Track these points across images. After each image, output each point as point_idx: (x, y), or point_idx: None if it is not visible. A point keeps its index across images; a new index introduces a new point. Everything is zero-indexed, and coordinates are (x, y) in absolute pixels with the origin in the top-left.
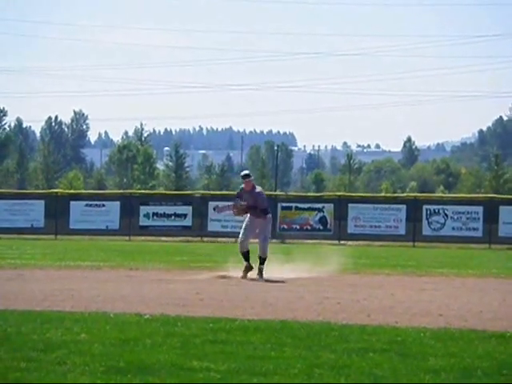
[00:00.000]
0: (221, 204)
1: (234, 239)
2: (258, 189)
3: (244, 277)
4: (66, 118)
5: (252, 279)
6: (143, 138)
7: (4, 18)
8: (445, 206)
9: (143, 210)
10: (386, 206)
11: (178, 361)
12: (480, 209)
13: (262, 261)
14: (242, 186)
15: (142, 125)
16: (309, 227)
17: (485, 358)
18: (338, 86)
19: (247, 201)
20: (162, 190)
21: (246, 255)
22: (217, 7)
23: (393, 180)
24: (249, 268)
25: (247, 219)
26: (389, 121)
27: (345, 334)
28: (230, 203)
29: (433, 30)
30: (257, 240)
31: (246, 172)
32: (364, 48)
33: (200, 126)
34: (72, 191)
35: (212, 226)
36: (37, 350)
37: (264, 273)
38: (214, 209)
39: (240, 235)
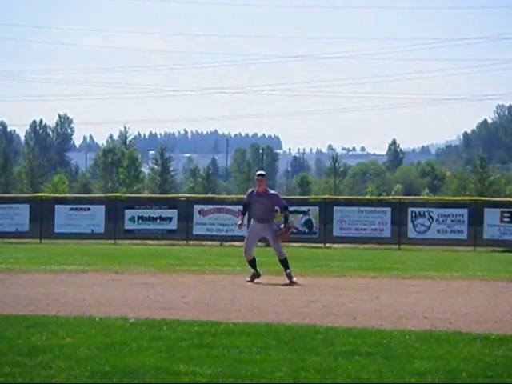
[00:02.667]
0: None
1: (218, 243)
2: (272, 191)
3: (250, 281)
4: (51, 121)
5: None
6: (128, 142)
7: None
8: (430, 209)
9: (128, 213)
10: (372, 208)
11: (164, 364)
12: (465, 211)
13: (285, 264)
14: (252, 189)
15: (126, 128)
16: (294, 230)
17: (470, 360)
18: (322, 88)
19: (259, 204)
20: (147, 194)
21: (253, 263)
22: (202, 11)
23: (378, 183)
24: (256, 275)
25: (251, 225)
26: (374, 124)
27: (330, 336)
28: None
29: (420, 33)
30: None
31: (263, 172)
32: (350, 51)
33: (185, 130)
34: (57, 195)
35: (197, 230)
36: (22, 354)
37: (293, 275)
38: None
39: (244, 244)
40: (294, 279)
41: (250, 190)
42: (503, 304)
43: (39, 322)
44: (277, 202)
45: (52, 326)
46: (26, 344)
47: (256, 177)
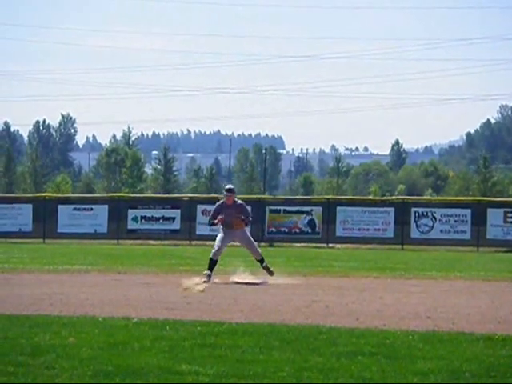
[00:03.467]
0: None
1: None
2: (240, 201)
3: (203, 283)
4: (54, 121)
5: (237, 282)
6: (131, 142)
7: None
8: (433, 209)
9: (131, 213)
10: (375, 208)
11: (167, 364)
12: (468, 211)
13: (262, 262)
14: (223, 200)
15: (129, 128)
16: (297, 230)
17: (473, 360)
18: (325, 89)
19: (228, 214)
20: (151, 194)
21: (214, 265)
22: (206, 11)
23: (381, 183)
24: (210, 276)
25: (221, 232)
26: (377, 124)
27: (333, 337)
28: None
29: (423, 33)
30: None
31: (231, 186)
32: (352, 51)
33: (188, 130)
34: (60, 195)
35: (200, 230)
36: (25, 354)
37: (269, 266)
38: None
39: (216, 245)
40: (271, 269)
41: (220, 202)
42: (506, 304)
43: (42, 322)
44: (246, 212)
45: (55, 326)
46: (29, 344)
47: (225, 191)
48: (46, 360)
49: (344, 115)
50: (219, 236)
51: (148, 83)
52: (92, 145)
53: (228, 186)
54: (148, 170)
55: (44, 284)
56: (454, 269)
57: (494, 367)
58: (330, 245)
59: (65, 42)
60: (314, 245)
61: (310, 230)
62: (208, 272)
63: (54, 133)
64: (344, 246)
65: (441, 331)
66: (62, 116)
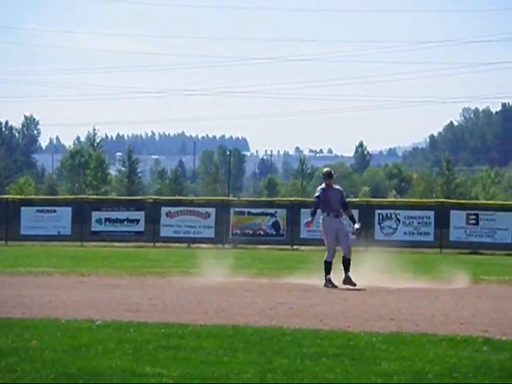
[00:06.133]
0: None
1: (185, 244)
2: (337, 186)
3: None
4: (17, 123)
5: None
6: (96, 144)
7: None
8: (397, 211)
9: (95, 215)
10: None
11: (131, 367)
12: (431, 213)
13: (347, 264)
14: (322, 186)
15: (94, 130)
16: (261, 232)
17: (436, 361)
18: (289, 91)
19: (330, 200)
20: (115, 196)
21: (330, 267)
22: (169, 12)
23: (345, 185)
24: (331, 281)
25: (326, 223)
26: (341, 126)
27: (297, 338)
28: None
29: (384, 36)
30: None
31: (330, 170)
32: (314, 53)
33: (152, 131)
34: (23, 197)
35: (164, 232)
36: None
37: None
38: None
39: (328, 243)
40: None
41: (319, 191)
42: (468, 306)
43: (4, 325)
44: (344, 198)
45: (17, 329)
46: None
47: (324, 176)
48: (8, 363)
49: (308, 117)
50: (327, 232)
51: (112, 84)
52: (55, 146)
53: (328, 170)
54: (112, 171)
55: (6, 286)
56: (418, 271)
57: (457, 368)
58: (295, 247)
59: (26, 43)
60: (278, 247)
61: (274, 232)
62: (328, 277)
63: (16, 134)
64: (308, 247)
65: (404, 332)
66: (25, 117)
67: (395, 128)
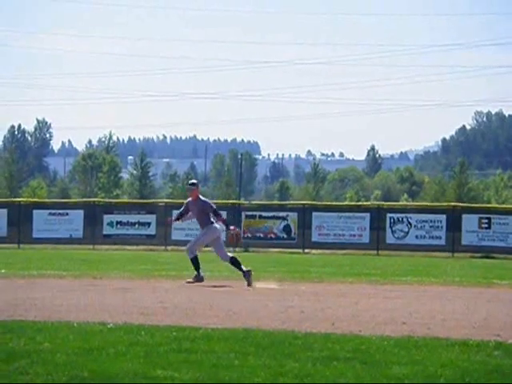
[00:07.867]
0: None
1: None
2: (203, 198)
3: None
4: (29, 126)
5: (214, 286)
6: (109, 147)
7: None
8: (408, 215)
9: (107, 218)
10: (350, 214)
11: (142, 370)
12: (443, 217)
13: (235, 264)
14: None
15: (110, 133)
16: (273, 236)
17: (448, 365)
18: (301, 94)
19: (193, 211)
20: (126, 199)
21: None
22: (182, 16)
23: (357, 188)
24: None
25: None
26: (352, 129)
27: (309, 342)
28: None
29: (398, 40)
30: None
31: (194, 181)
32: (328, 57)
33: (164, 135)
34: (35, 200)
35: (176, 235)
36: None
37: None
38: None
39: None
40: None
41: (187, 201)
42: (481, 310)
43: (16, 327)
44: (211, 208)
45: (29, 331)
46: (4, 349)
47: (188, 186)
48: (20, 365)
49: (320, 121)
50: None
51: (124, 88)
52: (67, 150)
53: (192, 181)
54: (124, 175)
55: (19, 289)
56: (430, 274)
57: (469, 372)
58: (306, 250)
59: (40, 47)
60: (289, 250)
61: (285, 236)
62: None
63: (29, 138)
64: (319, 251)
65: (416, 336)
66: (38, 121)
67: (407, 132)
